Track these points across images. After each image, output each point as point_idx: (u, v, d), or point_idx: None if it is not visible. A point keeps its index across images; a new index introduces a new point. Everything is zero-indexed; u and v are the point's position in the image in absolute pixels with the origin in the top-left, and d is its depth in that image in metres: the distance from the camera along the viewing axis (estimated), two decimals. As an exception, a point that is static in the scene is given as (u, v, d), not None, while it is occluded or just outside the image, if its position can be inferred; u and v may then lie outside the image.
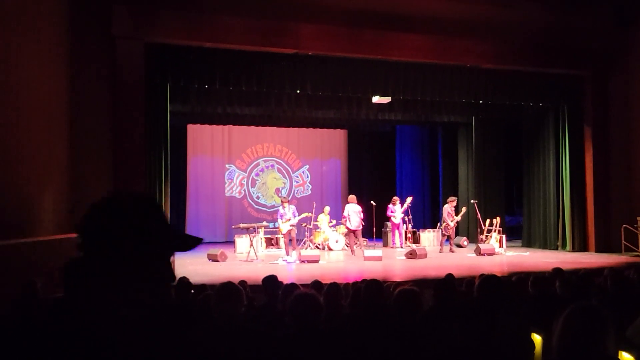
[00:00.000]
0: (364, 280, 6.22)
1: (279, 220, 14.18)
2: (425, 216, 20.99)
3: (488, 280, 3.32)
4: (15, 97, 9.27)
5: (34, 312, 5.76)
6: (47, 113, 10.44)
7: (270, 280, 5.20)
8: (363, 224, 14.94)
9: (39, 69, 10.13)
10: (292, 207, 14.29)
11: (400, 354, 3.03)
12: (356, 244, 14.94)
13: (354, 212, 14.76)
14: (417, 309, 3.05)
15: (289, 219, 13.99)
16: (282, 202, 14.45)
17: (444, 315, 3.72)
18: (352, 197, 15.25)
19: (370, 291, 3.83)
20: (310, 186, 21.11)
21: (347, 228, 14.96)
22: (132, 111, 11.76)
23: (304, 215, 14.97)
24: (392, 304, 3.08)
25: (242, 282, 7.86)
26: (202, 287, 6.61)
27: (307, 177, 21.16)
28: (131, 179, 11.77)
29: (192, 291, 6.47)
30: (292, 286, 4.34)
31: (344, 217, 15.00)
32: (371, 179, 21.27)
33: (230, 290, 3.12)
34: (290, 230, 14.05)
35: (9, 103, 9.04)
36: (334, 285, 5.38)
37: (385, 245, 16.90)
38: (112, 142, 11.80)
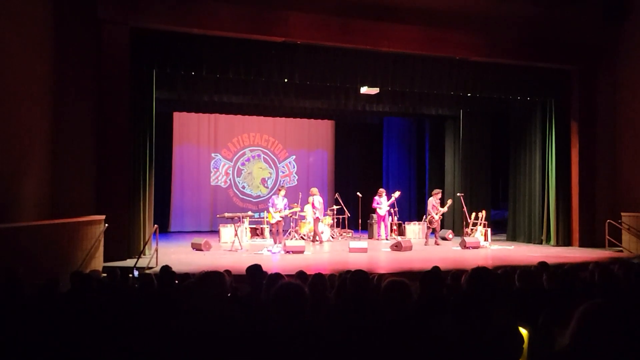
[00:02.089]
0: (349, 271, 6.16)
1: (270, 209, 14.10)
2: (411, 209, 20.97)
3: (478, 273, 3.26)
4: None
5: (16, 299, 5.65)
6: (30, 97, 10.25)
7: (255, 269, 5.11)
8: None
9: (22, 53, 9.93)
10: (285, 200, 14.26)
11: (387, 346, 2.95)
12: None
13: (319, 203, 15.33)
14: (407, 300, 2.98)
15: (281, 210, 13.96)
16: (279, 190, 14.45)
17: (433, 307, 3.65)
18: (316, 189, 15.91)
19: (357, 282, 3.76)
20: (297, 177, 21.01)
21: (317, 218, 15.35)
22: (116, 97, 11.58)
23: (294, 209, 14.99)
24: (380, 294, 3.01)
25: (226, 272, 7.77)
26: (186, 276, 6.51)
27: (294, 167, 21.05)
28: (115, 165, 11.61)
29: (177, 281, 6.37)
30: (277, 276, 4.26)
31: (315, 208, 15.19)
32: (358, 171, 21.21)
33: (212, 279, 3.03)
34: (279, 221, 14.02)
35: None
36: (318, 276, 5.30)
37: (371, 237, 16.83)
38: (96, 129, 11.61)
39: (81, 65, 11.58)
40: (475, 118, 17.89)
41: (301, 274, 5.87)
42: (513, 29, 14.15)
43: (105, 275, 7.13)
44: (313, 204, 15.39)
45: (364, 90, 14.60)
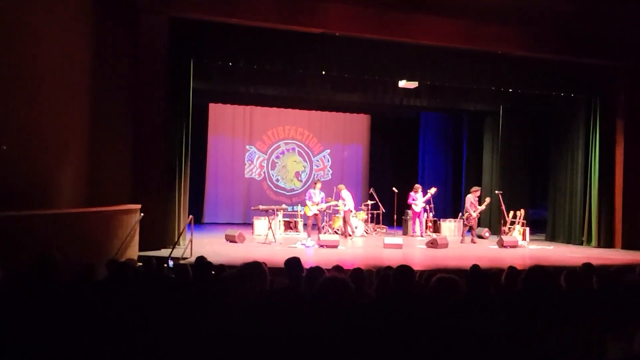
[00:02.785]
0: (389, 267, 5.99)
1: (307, 202, 14.03)
2: (446, 205, 20.62)
3: (536, 272, 3.06)
4: (36, 70, 9.13)
5: (54, 285, 5.63)
6: (68, 87, 10.29)
7: (294, 262, 4.98)
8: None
9: (61, 43, 9.97)
10: (322, 193, 14.20)
11: (433, 343, 2.78)
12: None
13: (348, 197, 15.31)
14: (456, 297, 2.80)
15: (318, 203, 13.89)
16: (315, 183, 14.35)
17: (481, 306, 3.47)
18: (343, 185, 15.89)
19: (401, 277, 3.59)
20: (331, 171, 20.85)
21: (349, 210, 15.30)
22: (154, 88, 11.60)
23: (331, 203, 14.96)
24: (429, 290, 2.84)
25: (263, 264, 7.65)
26: (221, 268, 6.41)
27: (328, 161, 20.89)
28: (151, 156, 11.64)
29: (213, 272, 6.28)
30: (317, 270, 4.10)
31: (344, 201, 15.16)
32: (393, 166, 20.96)
33: (253, 270, 2.90)
34: (316, 214, 13.96)
35: (30, 76, 8.90)
36: (358, 271, 5.15)
37: (405, 233, 16.60)
38: (133, 119, 11.64)
39: (119, 55, 11.60)
40: (516, 115, 17.44)
41: (338, 268, 5.71)
42: (557, 24, 13.72)
43: (140, 264, 7.09)
44: (342, 199, 15.24)
45: (402, 84, 14.36)
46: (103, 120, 11.28)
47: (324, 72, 13.33)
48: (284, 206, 15.83)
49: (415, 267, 10.69)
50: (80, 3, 10.87)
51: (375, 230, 16.85)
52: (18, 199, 8.32)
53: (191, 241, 10.94)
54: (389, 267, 5.85)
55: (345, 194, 15.28)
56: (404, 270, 3.68)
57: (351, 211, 15.30)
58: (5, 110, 8.15)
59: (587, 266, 7.36)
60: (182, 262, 10.10)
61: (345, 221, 15.22)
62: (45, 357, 3.08)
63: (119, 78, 11.54)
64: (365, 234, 16.11)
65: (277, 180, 20.34)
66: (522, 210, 14.91)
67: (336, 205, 15.64)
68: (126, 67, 11.60)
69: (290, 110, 19.64)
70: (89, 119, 11.08)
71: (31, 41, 8.90)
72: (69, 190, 10.11)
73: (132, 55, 11.59)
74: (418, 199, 15.98)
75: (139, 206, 10.91)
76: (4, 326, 3.06)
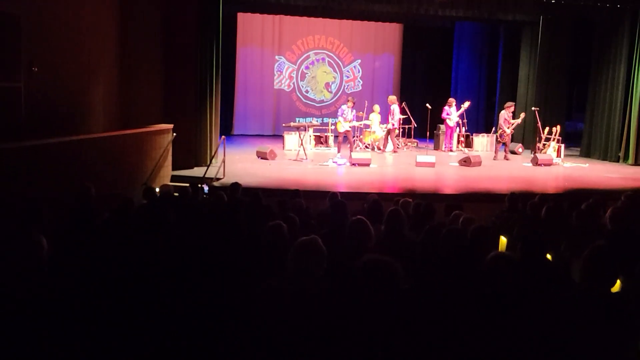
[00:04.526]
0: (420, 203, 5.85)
1: (339, 118, 13.88)
2: (479, 120, 20.24)
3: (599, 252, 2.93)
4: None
5: (90, 220, 5.71)
6: (96, 3, 10.00)
7: (338, 206, 4.87)
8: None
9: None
10: (354, 111, 14.02)
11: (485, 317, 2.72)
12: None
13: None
14: (513, 281, 2.71)
15: (351, 120, 13.76)
16: (348, 101, 14.14)
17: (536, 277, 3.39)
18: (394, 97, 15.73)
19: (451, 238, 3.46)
20: (361, 82, 20.43)
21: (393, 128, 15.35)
22: (184, 2, 11.26)
23: (364, 122, 14.91)
24: (485, 270, 2.75)
25: (295, 192, 7.63)
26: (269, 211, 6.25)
27: (359, 72, 20.43)
28: (182, 73, 11.48)
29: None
30: (361, 224, 3.97)
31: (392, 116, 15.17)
32: (425, 77, 20.41)
33: (310, 248, 2.83)
34: (347, 131, 13.84)
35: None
36: (395, 212, 5.03)
37: (437, 148, 16.42)
38: (163, 35, 11.40)
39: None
40: (556, 25, 16.62)
41: (376, 206, 5.58)
42: None
43: (176, 194, 7.15)
44: (392, 112, 15.09)
45: (439, -6, 13.70)
46: (133, 38, 11.04)
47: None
48: (314, 121, 15.66)
49: (447, 190, 10.73)
50: None
51: (407, 145, 16.68)
52: (51, 122, 8.33)
53: (224, 162, 10.95)
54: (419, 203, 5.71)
55: (395, 108, 15.18)
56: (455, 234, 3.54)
57: (395, 128, 15.35)
58: (36, 31, 7.99)
59: (630, 198, 7.20)
60: (215, 183, 10.19)
61: (389, 137, 15.36)
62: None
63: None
64: (396, 148, 15.95)
65: (307, 91, 20.04)
66: (558, 127, 14.54)
67: (366, 119, 15.45)
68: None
69: (320, 19, 19.01)
70: (119, 38, 10.85)
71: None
72: (102, 111, 10.07)
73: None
74: (452, 113, 15.67)
75: (171, 126, 10.91)
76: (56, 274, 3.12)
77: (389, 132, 15.29)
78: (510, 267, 2.75)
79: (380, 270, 2.59)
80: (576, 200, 7.67)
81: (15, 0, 7.63)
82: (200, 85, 11.79)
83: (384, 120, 15.39)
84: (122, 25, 10.86)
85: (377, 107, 15.86)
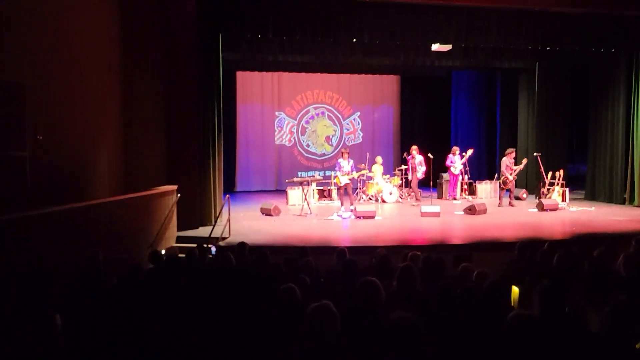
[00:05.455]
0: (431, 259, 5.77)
1: (337, 172, 13.85)
2: (481, 167, 20.30)
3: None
4: (70, 49, 9.01)
5: (99, 287, 5.65)
6: (100, 69, 10.16)
7: (349, 265, 4.82)
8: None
9: (90, 23, 9.81)
10: (352, 161, 13.99)
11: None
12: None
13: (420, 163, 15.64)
14: (536, 340, 2.64)
15: (348, 172, 13.71)
16: (342, 153, 14.10)
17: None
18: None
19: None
20: (362, 134, 20.59)
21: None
22: (184, 64, 11.49)
23: (362, 172, 14.83)
24: (507, 331, 2.69)
25: (304, 250, 7.51)
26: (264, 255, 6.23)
27: (358, 124, 20.62)
28: (184, 134, 11.57)
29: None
30: (372, 286, 3.90)
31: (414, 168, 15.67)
32: (424, 127, 20.52)
33: (323, 316, 2.79)
34: (347, 183, 13.79)
35: (63, 61, 8.79)
36: (407, 269, 4.98)
37: (440, 197, 16.42)
38: (165, 97, 11.55)
39: (149, 33, 11.41)
40: (552, 71, 16.88)
41: (384, 263, 5.53)
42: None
43: (182, 255, 7.10)
44: (415, 165, 15.53)
45: (435, 47, 13.95)
46: (136, 101, 11.17)
47: (355, 40, 12.96)
48: (317, 175, 15.68)
49: (455, 240, 10.63)
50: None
51: (410, 195, 16.66)
52: (57, 190, 8.34)
53: (229, 220, 10.91)
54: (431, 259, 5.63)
55: (418, 159, 15.60)
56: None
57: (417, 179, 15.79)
58: (41, 100, 8.09)
59: (640, 242, 7.12)
60: (221, 242, 10.13)
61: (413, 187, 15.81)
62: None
63: (149, 57, 11.37)
64: (399, 199, 15.94)
65: (308, 145, 20.18)
66: (562, 171, 14.56)
67: (369, 172, 15.49)
68: (157, 44, 11.43)
69: (318, 74, 19.32)
70: (122, 101, 10.97)
71: (65, 20, 8.76)
72: (106, 176, 10.10)
73: (161, 33, 11.43)
74: (456, 162, 15.73)
75: (175, 187, 10.92)
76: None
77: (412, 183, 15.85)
78: (532, 326, 2.69)
79: (408, 329, 2.53)
80: (586, 246, 7.65)
81: (21, 71, 7.74)
82: (202, 146, 11.85)
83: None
84: (126, 93, 11.01)
85: (379, 159, 15.96)
